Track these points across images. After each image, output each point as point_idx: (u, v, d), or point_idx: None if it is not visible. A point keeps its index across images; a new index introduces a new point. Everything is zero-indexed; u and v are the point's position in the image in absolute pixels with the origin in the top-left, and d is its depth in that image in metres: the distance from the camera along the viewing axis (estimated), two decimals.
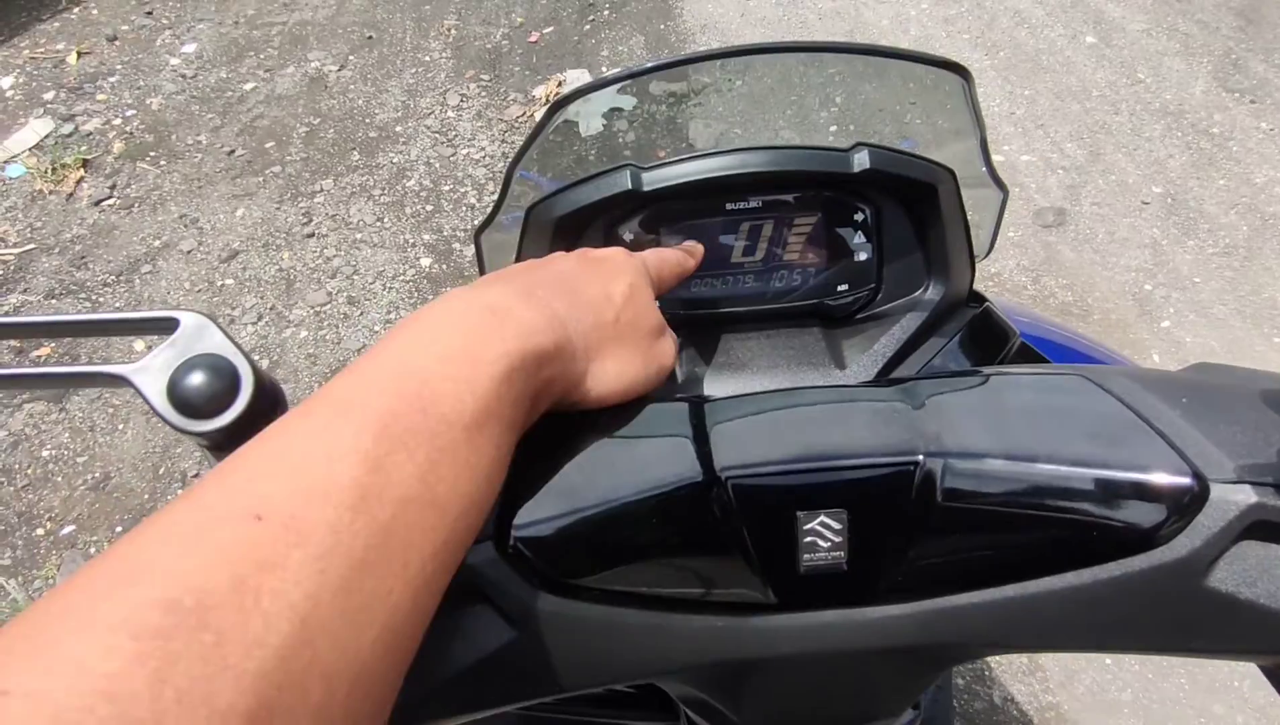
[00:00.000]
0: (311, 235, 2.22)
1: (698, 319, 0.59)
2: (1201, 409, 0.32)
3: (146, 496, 1.68)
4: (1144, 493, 0.30)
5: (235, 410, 0.29)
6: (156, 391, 0.29)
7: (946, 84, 0.58)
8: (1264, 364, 1.83)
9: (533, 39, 3.01)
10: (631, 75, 0.55)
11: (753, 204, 0.55)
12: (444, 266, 2.13)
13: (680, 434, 0.33)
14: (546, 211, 0.54)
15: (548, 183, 0.63)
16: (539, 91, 2.73)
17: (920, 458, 0.30)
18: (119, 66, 2.90)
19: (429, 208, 2.30)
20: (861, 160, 0.52)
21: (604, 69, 2.91)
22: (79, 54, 2.96)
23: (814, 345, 0.57)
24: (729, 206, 0.55)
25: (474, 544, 0.29)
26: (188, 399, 0.29)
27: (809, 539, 0.31)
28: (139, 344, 1.95)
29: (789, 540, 0.31)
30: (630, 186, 0.52)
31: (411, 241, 2.20)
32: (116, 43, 3.03)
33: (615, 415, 0.36)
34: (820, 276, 0.58)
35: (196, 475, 1.71)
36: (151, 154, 2.52)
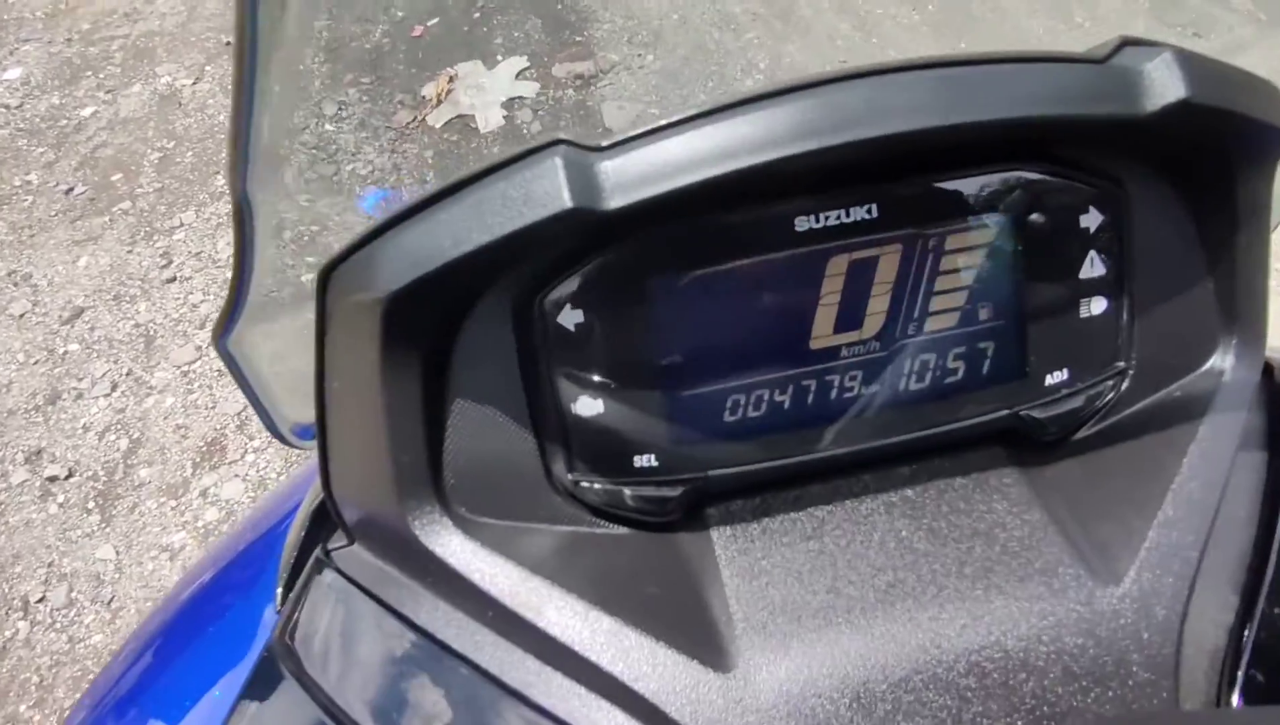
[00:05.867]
0: (173, 279, 1.88)
1: (745, 482, 0.31)
2: None
3: None
4: None
5: None
6: None
7: None
8: None
9: (416, 33, 2.70)
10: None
11: (855, 216, 0.28)
12: (270, 348, 1.82)
13: None
14: (364, 280, 0.27)
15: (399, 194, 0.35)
16: (429, 90, 2.43)
17: None
18: None
19: (314, 228, 1.98)
20: (1164, 81, 0.25)
21: (499, 57, 2.62)
22: None
23: (1021, 521, 0.29)
24: (801, 225, 0.28)
25: None
26: None
27: None
28: None
29: None
30: (570, 203, 0.25)
31: (295, 275, 1.88)
32: None
33: None
34: (1008, 358, 0.30)
35: (41, 599, 1.37)
36: None
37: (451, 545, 0.29)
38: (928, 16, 2.46)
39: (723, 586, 0.29)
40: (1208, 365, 0.30)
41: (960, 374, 0.30)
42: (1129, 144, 0.27)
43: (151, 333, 1.78)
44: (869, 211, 0.28)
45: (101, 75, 2.56)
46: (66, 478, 1.53)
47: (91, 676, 1.29)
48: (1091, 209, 0.29)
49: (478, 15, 2.75)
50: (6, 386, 1.68)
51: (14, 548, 1.44)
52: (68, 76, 2.56)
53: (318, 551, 0.33)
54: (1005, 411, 0.31)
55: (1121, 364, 0.31)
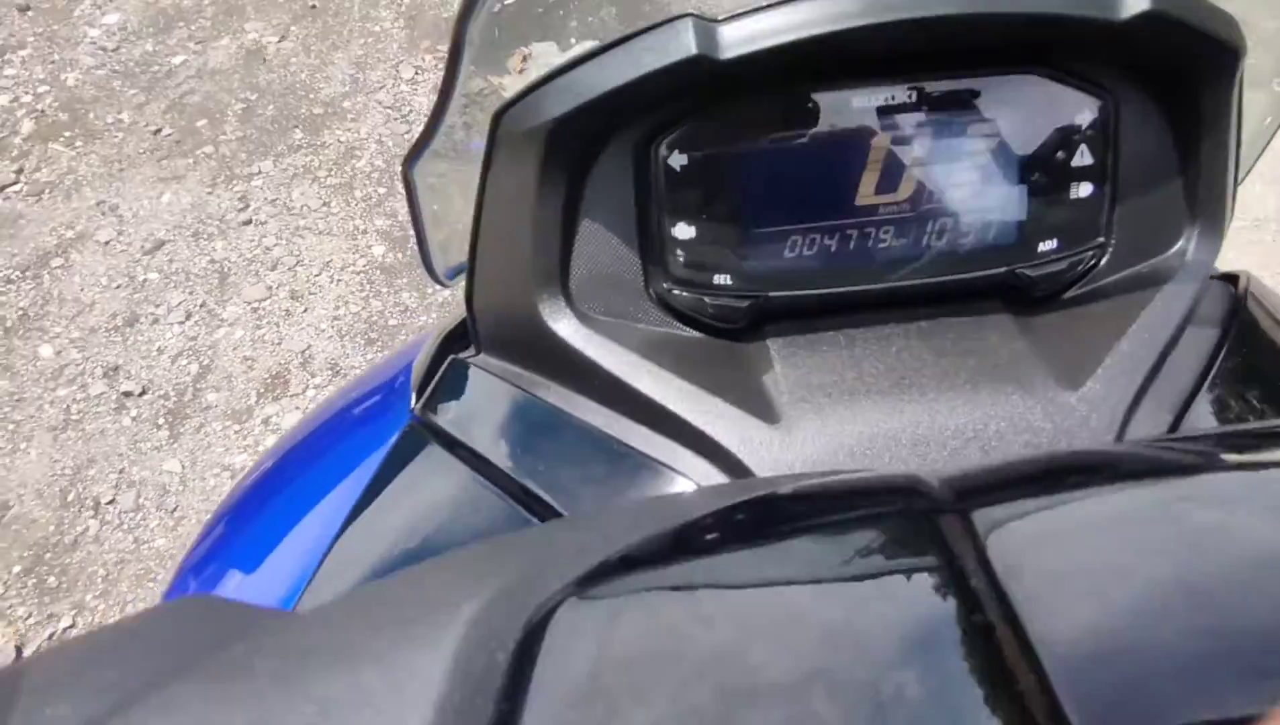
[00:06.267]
0: (248, 222, 1.98)
1: (799, 304, 0.38)
2: None
3: (52, 528, 1.44)
4: None
5: None
6: None
7: None
8: None
9: (495, 10, 2.77)
10: None
11: (899, 98, 0.35)
12: (399, 255, 1.90)
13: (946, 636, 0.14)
14: (530, 114, 0.34)
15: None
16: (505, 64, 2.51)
17: None
18: (30, 39, 2.61)
19: (381, 190, 2.07)
20: None
21: (572, 40, 2.70)
22: None
23: (1009, 347, 0.36)
24: (857, 103, 0.35)
25: None
26: None
27: None
28: (46, 350, 1.70)
29: None
30: (696, 50, 0.32)
31: (362, 228, 1.96)
32: (29, 13, 2.73)
33: (763, 560, 0.18)
34: (1011, 227, 0.37)
35: (111, 501, 1.47)
36: (66, 134, 2.24)
37: (572, 329, 0.37)
38: None
39: (775, 373, 0.36)
40: (1175, 248, 0.37)
41: (970, 236, 0.37)
42: (1112, 53, 0.34)
43: (226, 270, 1.87)
44: (909, 97, 0.35)
45: (193, 27, 2.68)
46: (140, 394, 1.63)
47: (154, 578, 1.39)
48: (1084, 110, 0.35)
49: None
50: (90, 306, 1.79)
51: (89, 452, 1.54)
52: (161, 25, 2.68)
53: (450, 359, 0.41)
54: (1004, 269, 0.38)
55: (1102, 239, 0.38)
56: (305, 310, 1.79)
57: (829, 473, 0.31)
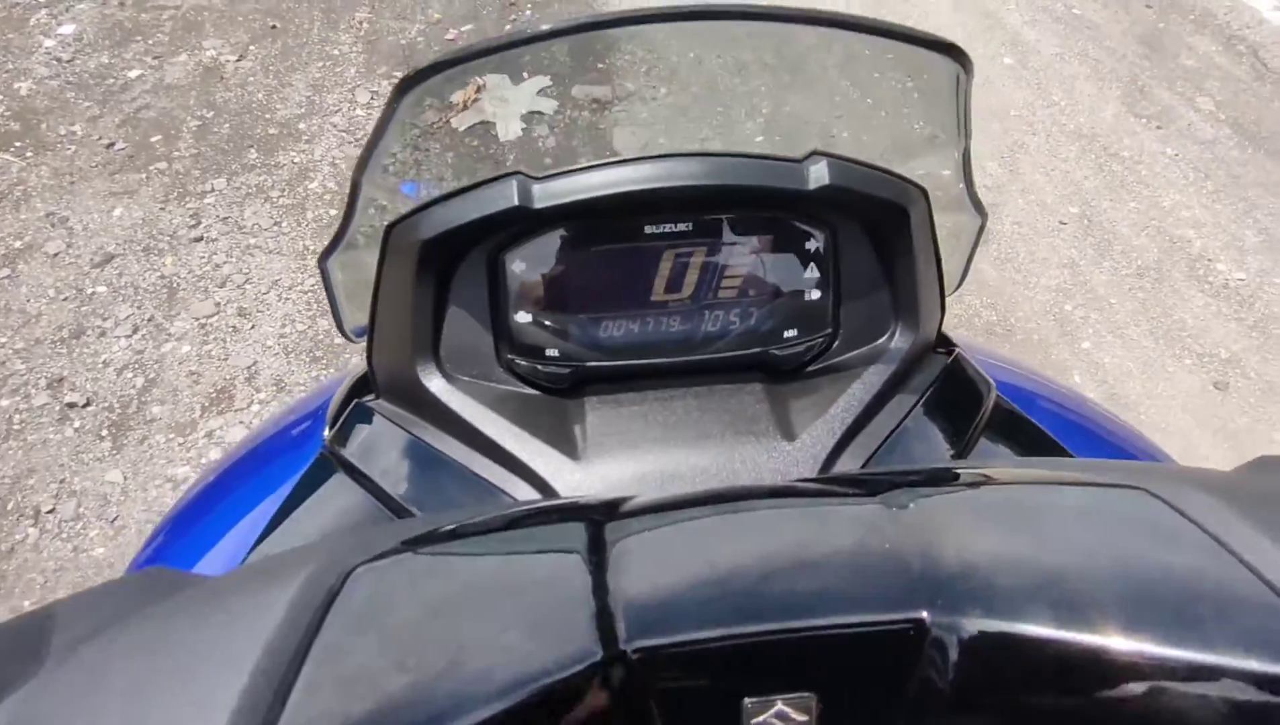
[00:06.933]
0: (199, 239, 2.03)
1: (608, 372, 0.49)
2: None
3: None
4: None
5: None
6: None
7: (930, 75, 0.50)
8: (1174, 384, 1.85)
9: (450, 37, 2.87)
10: (513, 43, 0.45)
11: (679, 227, 0.46)
12: (346, 276, 1.97)
13: (567, 584, 0.23)
14: (409, 232, 0.44)
15: (426, 188, 0.53)
16: (456, 96, 2.60)
17: (924, 616, 0.22)
18: None
19: (332, 212, 2.14)
20: (819, 174, 0.44)
21: (525, 74, 2.79)
22: None
23: (755, 407, 0.48)
24: (648, 230, 0.46)
25: None
26: None
27: None
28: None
29: None
30: (517, 202, 0.43)
31: (312, 248, 2.03)
32: None
33: (478, 545, 0.27)
34: (763, 319, 0.49)
35: (51, 511, 1.51)
36: (16, 144, 2.27)
37: (441, 386, 0.48)
38: (921, 83, 2.65)
39: (585, 423, 0.48)
40: (883, 338, 0.50)
41: (736, 325, 0.49)
42: (816, 207, 0.45)
43: (175, 285, 1.92)
44: (687, 227, 0.47)
45: (150, 41, 2.72)
46: (84, 406, 1.67)
47: (91, 583, 1.43)
48: (813, 238, 0.48)
49: (509, 27, 2.93)
50: (36, 317, 1.82)
51: (30, 462, 1.58)
52: (118, 39, 2.72)
53: (355, 402, 0.50)
54: (759, 349, 0.49)
55: (830, 330, 0.50)
56: (253, 327, 1.85)
57: (559, 500, 0.43)
